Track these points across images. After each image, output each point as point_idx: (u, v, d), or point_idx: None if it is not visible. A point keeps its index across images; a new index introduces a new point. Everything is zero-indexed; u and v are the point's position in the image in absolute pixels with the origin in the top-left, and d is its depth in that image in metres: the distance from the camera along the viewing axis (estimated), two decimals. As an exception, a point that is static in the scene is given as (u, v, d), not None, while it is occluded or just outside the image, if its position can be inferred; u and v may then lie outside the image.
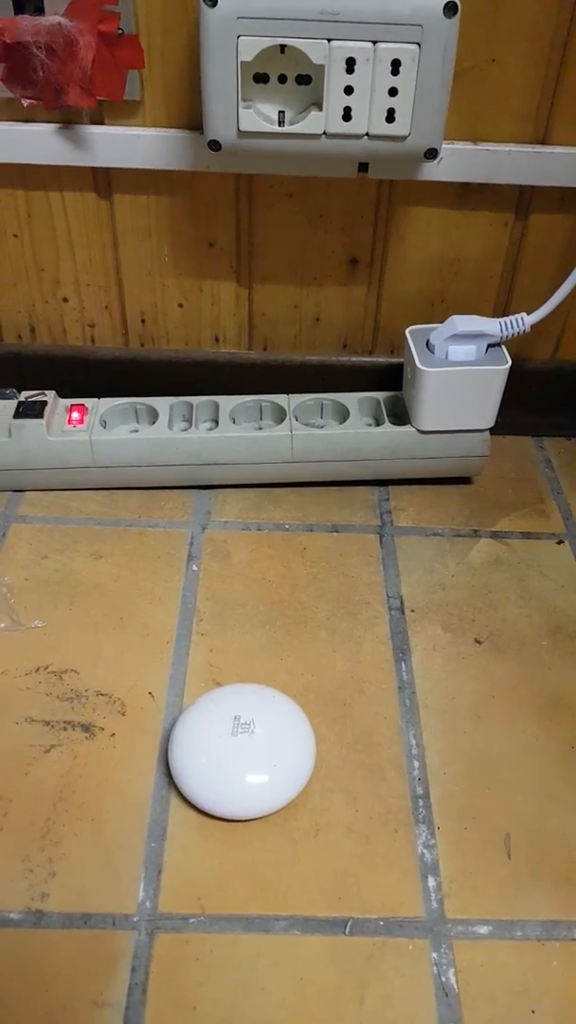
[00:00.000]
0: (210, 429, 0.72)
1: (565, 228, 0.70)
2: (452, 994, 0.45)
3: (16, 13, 0.58)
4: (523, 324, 0.67)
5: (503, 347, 0.69)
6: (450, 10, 0.55)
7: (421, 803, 0.53)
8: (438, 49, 0.56)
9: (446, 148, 0.64)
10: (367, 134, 0.59)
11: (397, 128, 0.59)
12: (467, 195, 0.68)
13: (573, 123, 0.64)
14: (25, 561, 0.67)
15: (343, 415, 0.73)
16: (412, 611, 0.65)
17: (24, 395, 0.72)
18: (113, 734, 0.56)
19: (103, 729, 0.56)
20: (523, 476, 0.78)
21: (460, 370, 0.67)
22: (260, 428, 0.74)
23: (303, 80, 0.58)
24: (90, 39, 0.58)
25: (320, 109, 0.58)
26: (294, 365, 0.77)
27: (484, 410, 0.70)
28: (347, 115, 0.58)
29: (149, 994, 0.44)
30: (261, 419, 0.75)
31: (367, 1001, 0.45)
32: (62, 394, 0.74)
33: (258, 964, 0.46)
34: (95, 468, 0.71)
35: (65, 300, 0.74)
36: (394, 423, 0.72)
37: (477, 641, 0.63)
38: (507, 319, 0.67)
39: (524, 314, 0.67)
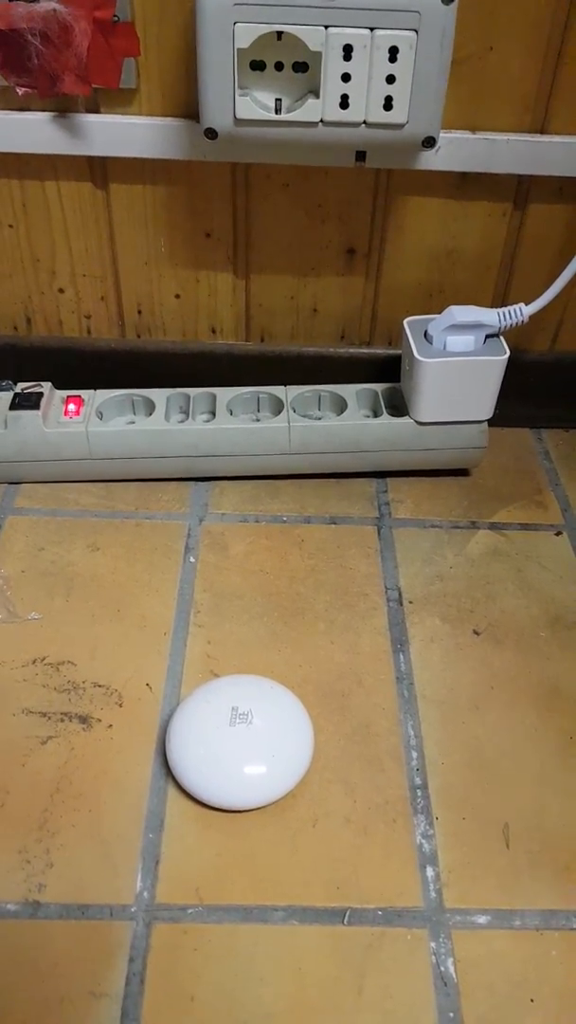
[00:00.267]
0: (207, 421, 0.72)
1: (564, 218, 0.69)
2: (451, 984, 0.45)
3: (10, 0, 0.57)
4: (521, 314, 0.67)
5: (501, 338, 0.68)
6: (448, -4, 0.54)
7: (419, 793, 0.53)
8: (436, 36, 0.56)
9: (444, 137, 0.63)
10: (364, 122, 0.59)
11: (395, 116, 0.59)
12: (465, 185, 0.67)
13: (571, 112, 0.64)
14: (22, 553, 0.67)
15: (341, 407, 0.73)
16: (410, 602, 0.65)
17: (20, 386, 0.72)
18: (110, 725, 0.56)
19: (100, 720, 0.56)
20: (521, 467, 0.78)
21: (458, 361, 0.67)
22: (257, 420, 0.74)
23: (300, 67, 0.57)
24: (85, 26, 0.57)
25: (317, 97, 0.58)
26: (291, 356, 0.77)
27: (482, 401, 0.70)
28: (344, 103, 0.58)
29: (147, 985, 0.44)
30: (258, 411, 0.75)
31: (365, 991, 0.45)
32: (58, 385, 0.74)
33: (256, 954, 0.46)
34: (92, 460, 0.71)
35: (61, 291, 0.74)
36: (392, 414, 0.72)
37: (475, 632, 0.63)
38: (505, 309, 0.67)
39: (522, 304, 0.67)
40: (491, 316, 0.67)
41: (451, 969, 0.45)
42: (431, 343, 0.68)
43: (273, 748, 0.52)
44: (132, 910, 0.47)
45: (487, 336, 0.68)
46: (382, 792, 0.53)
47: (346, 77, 0.57)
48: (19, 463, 0.71)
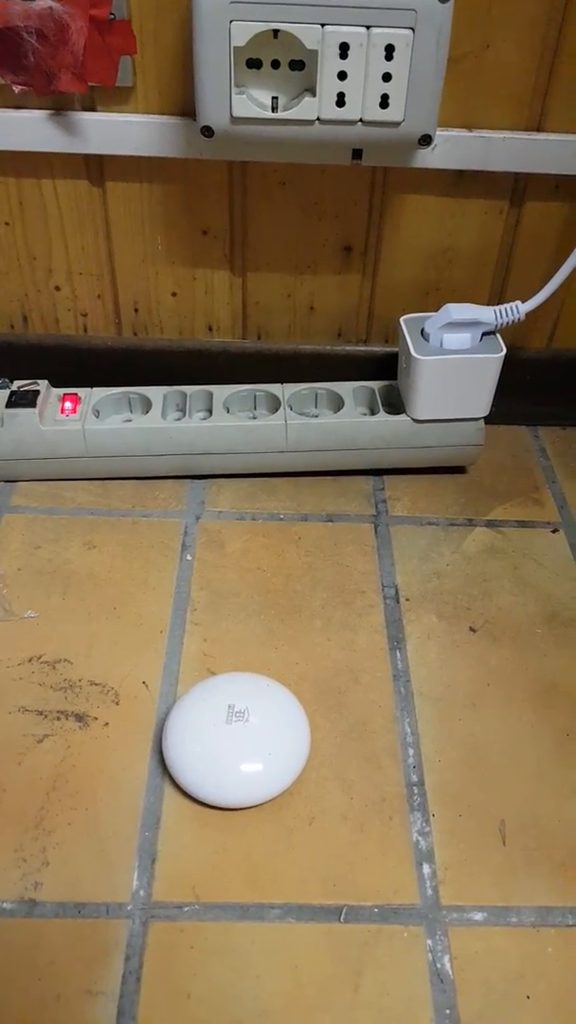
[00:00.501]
0: (204, 419, 0.72)
1: (560, 216, 0.69)
2: (447, 980, 0.45)
3: (6, -3, 0.57)
4: (518, 312, 0.67)
5: (498, 335, 0.68)
6: (444, -6, 0.54)
7: (416, 791, 0.53)
8: (432, 34, 0.56)
9: (440, 135, 0.63)
10: (361, 120, 0.59)
11: (391, 114, 0.59)
12: (461, 182, 0.67)
13: (568, 110, 0.64)
14: (18, 551, 0.67)
15: (338, 404, 0.73)
16: (407, 600, 0.65)
17: (16, 384, 0.71)
18: (107, 724, 0.56)
19: (97, 719, 0.56)
20: (518, 465, 0.78)
21: (455, 358, 0.67)
22: (254, 418, 0.74)
23: (296, 65, 0.57)
24: (81, 24, 0.57)
25: (313, 95, 0.58)
26: (288, 354, 0.77)
27: (479, 399, 0.70)
28: (341, 101, 0.58)
29: (143, 982, 0.44)
30: (255, 408, 0.75)
31: (362, 988, 0.45)
32: (55, 383, 0.73)
33: (253, 952, 0.46)
34: (88, 458, 0.71)
35: (57, 289, 0.74)
36: (389, 412, 0.72)
37: (472, 629, 0.63)
38: (502, 307, 0.67)
39: (519, 302, 0.67)
40: (488, 314, 0.67)
41: (447, 966, 0.46)
42: (428, 341, 0.68)
43: (269, 746, 0.52)
44: (128, 908, 0.47)
45: (484, 334, 0.68)
46: (379, 789, 0.53)
47: (342, 75, 0.57)
48: (15, 461, 0.71)
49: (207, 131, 0.60)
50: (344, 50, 0.56)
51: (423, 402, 0.69)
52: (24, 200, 0.68)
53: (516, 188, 0.68)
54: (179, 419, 0.72)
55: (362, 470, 0.75)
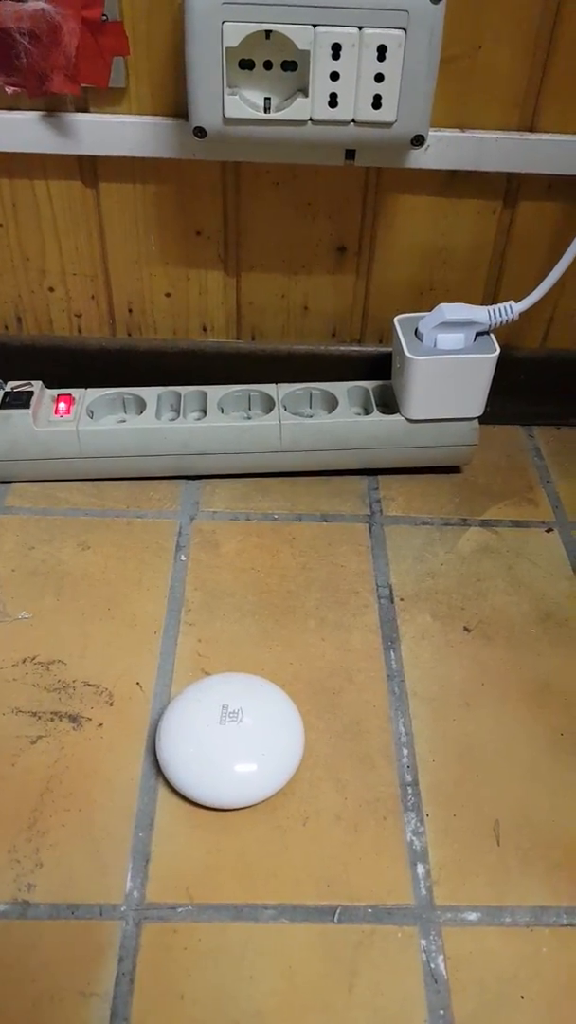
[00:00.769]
0: (198, 419, 0.72)
1: (553, 215, 0.69)
2: (441, 981, 0.45)
3: (-2, -2, 0.57)
4: (511, 312, 0.67)
5: (492, 335, 0.68)
6: (436, -6, 0.54)
7: (410, 791, 0.53)
8: (424, 35, 0.56)
9: (433, 135, 0.63)
10: (353, 120, 0.59)
11: (383, 114, 0.59)
12: (455, 183, 0.68)
13: (560, 110, 0.64)
14: (12, 552, 0.67)
15: (332, 404, 0.73)
16: (401, 600, 0.65)
17: (10, 385, 0.71)
18: (101, 724, 0.56)
19: (90, 719, 0.56)
20: (512, 465, 0.78)
21: (449, 358, 0.67)
22: (248, 418, 0.74)
23: (289, 66, 0.57)
24: (74, 25, 0.57)
25: (306, 95, 0.58)
26: (282, 354, 0.77)
27: (473, 399, 0.70)
28: (333, 101, 0.58)
29: (137, 984, 0.44)
30: (249, 409, 0.75)
31: (356, 989, 0.45)
32: (49, 384, 0.73)
33: (246, 953, 0.46)
34: (82, 458, 0.71)
35: (51, 290, 0.74)
36: (383, 412, 0.72)
37: (466, 629, 0.63)
38: (495, 307, 0.67)
39: (512, 302, 0.67)
40: (481, 314, 0.67)
41: (441, 966, 0.46)
42: (422, 341, 0.68)
43: (263, 746, 0.52)
44: (122, 909, 0.47)
45: (477, 334, 0.68)
46: (373, 789, 0.53)
47: (335, 76, 0.57)
48: (9, 462, 0.71)
49: (200, 132, 0.60)
50: (336, 51, 0.56)
51: (417, 402, 0.69)
52: (17, 201, 0.68)
53: (509, 188, 0.68)
54: (173, 419, 0.72)
55: (356, 470, 0.75)
